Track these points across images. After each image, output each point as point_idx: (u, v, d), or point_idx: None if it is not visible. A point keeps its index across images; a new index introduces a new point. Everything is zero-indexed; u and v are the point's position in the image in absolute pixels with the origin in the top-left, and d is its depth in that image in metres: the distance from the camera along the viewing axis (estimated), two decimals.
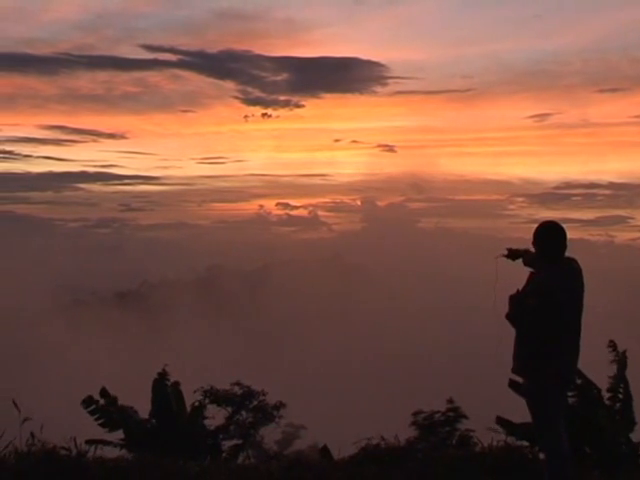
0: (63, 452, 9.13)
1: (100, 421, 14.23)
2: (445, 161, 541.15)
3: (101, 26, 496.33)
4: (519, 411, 9.21)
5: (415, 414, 13.77)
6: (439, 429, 13.40)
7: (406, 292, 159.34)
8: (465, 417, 13.72)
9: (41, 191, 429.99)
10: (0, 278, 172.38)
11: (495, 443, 10.37)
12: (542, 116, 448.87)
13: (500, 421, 10.95)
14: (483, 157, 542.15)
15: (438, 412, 13.67)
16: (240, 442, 16.17)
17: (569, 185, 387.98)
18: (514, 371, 8.22)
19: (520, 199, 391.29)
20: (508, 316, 8.03)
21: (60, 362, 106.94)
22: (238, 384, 17.79)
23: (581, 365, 8.58)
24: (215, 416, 16.35)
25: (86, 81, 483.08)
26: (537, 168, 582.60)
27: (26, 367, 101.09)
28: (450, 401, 14.06)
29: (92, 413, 14.27)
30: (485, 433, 11.23)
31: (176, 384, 15.22)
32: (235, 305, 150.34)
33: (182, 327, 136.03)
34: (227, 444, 15.87)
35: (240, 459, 14.78)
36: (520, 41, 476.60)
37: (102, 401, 14.25)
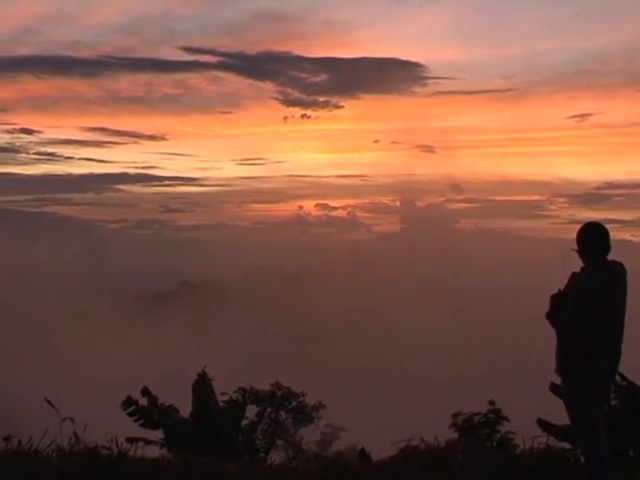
0: (105, 451, 9.20)
1: (140, 422, 14.32)
2: (485, 161, 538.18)
3: (142, 29, 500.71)
4: (561, 415, 9.14)
5: (455, 415, 13.69)
6: (479, 431, 13.31)
7: (445, 293, 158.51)
8: (506, 419, 13.62)
9: (82, 192, 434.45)
10: (42, 278, 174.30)
11: (536, 445, 10.29)
12: (583, 116, 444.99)
13: (541, 423, 10.85)
14: (523, 157, 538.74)
15: (478, 414, 13.59)
16: (279, 442, 16.21)
17: (611, 185, 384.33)
18: (556, 371, 8.17)
19: (561, 199, 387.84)
20: (548, 315, 7.99)
21: (100, 362, 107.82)
22: (277, 385, 17.81)
23: (624, 368, 8.48)
24: (254, 416, 16.39)
25: (127, 83, 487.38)
26: (578, 168, 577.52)
27: (66, 367, 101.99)
28: (491, 403, 13.96)
29: (131, 414, 14.37)
30: (525, 434, 11.14)
31: (210, 384, 15.28)
32: (274, 306, 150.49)
33: (221, 327, 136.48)
34: (265, 444, 15.91)
35: (279, 459, 14.80)
36: (561, 40, 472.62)
37: (143, 401, 14.34)
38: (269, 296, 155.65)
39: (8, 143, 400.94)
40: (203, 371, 15.16)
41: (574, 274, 8.05)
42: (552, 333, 8.09)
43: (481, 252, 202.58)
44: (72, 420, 9.54)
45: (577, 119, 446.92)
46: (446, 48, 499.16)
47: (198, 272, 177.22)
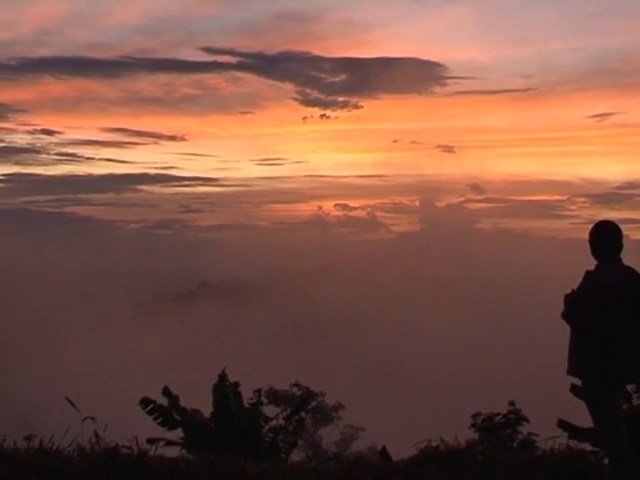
0: (125, 451, 9.24)
1: (159, 420, 14.36)
2: (505, 161, 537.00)
3: (162, 30, 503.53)
4: (580, 416, 9.09)
5: (474, 416, 13.65)
6: (499, 432, 13.27)
7: (464, 293, 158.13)
8: (526, 420, 13.57)
9: (102, 193, 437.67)
10: (61, 278, 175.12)
11: (556, 446, 10.24)
12: (604, 115, 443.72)
13: (562, 424, 10.80)
14: (544, 157, 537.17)
15: (498, 414, 13.54)
16: (298, 442, 16.19)
17: (632, 185, 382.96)
18: (568, 372, 8.13)
19: (581, 199, 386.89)
20: (563, 315, 7.98)
21: (119, 362, 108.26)
22: (297, 385, 17.86)
23: None
24: (274, 416, 16.40)
25: (147, 84, 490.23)
26: (599, 168, 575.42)
27: (86, 367, 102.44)
28: (511, 403, 13.92)
29: (150, 413, 14.41)
30: (545, 435, 11.10)
31: (235, 385, 15.29)
32: (292, 306, 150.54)
33: (240, 327, 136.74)
34: (285, 444, 15.91)
35: (299, 459, 14.79)
36: (581, 39, 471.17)
37: (163, 401, 14.39)
38: (288, 296, 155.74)
39: (29, 144, 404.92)
40: (223, 372, 15.18)
41: (588, 272, 8.05)
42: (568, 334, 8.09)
43: (501, 252, 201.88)
44: (93, 419, 9.59)
45: (597, 118, 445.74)
46: (466, 48, 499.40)
47: (217, 272, 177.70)
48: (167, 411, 14.35)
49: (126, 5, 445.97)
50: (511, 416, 13.57)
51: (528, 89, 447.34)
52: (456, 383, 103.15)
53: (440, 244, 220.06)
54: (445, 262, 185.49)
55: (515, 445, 12.73)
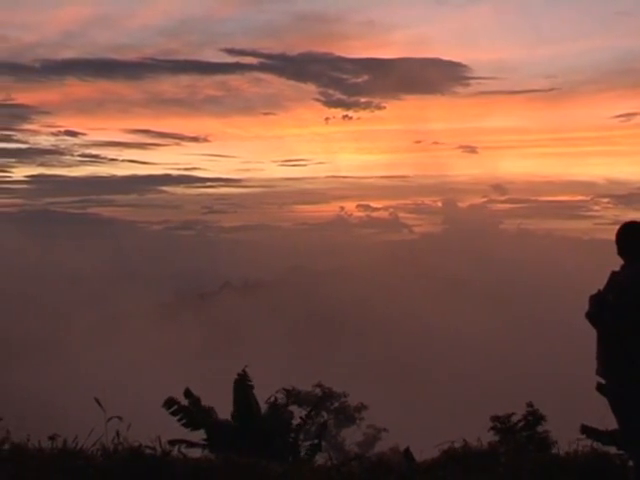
0: (148, 451, 9.26)
1: (182, 421, 14.40)
2: (528, 162, 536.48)
3: (184, 31, 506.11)
4: (603, 417, 9.03)
5: (493, 419, 13.63)
6: (519, 433, 13.24)
7: (486, 294, 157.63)
8: (543, 419, 13.53)
9: (126, 194, 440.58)
10: (86, 279, 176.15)
11: (580, 448, 10.17)
12: (629, 115, 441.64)
13: (585, 429, 10.72)
14: (567, 157, 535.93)
15: (513, 414, 13.53)
16: (320, 442, 16.16)
17: None
18: (597, 372, 8.09)
19: (605, 200, 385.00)
20: (588, 315, 7.94)
21: (142, 361, 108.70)
22: (319, 385, 17.84)
23: None
24: (296, 416, 16.39)
25: (170, 85, 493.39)
26: (623, 168, 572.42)
27: (109, 366, 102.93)
28: (529, 405, 13.88)
29: (174, 414, 14.45)
30: (568, 437, 11.03)
31: (250, 385, 15.29)
32: (315, 306, 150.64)
33: (263, 328, 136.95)
34: (307, 444, 15.90)
35: (321, 460, 14.77)
36: (605, 39, 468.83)
37: (185, 401, 14.42)
38: (310, 296, 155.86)
39: (53, 145, 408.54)
40: (244, 371, 15.19)
41: (613, 273, 8.00)
42: (594, 335, 8.05)
43: (524, 253, 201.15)
44: (119, 419, 9.62)
45: (622, 118, 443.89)
46: (489, 48, 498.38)
47: (240, 273, 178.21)
48: (191, 412, 14.39)
49: (149, 7, 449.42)
50: (530, 417, 13.54)
51: (551, 89, 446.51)
52: (478, 383, 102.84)
53: (462, 245, 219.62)
54: (468, 263, 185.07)
55: (535, 445, 12.67)
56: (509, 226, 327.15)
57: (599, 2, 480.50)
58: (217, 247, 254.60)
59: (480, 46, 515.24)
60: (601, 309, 7.75)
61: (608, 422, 8.94)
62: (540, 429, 13.44)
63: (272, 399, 15.80)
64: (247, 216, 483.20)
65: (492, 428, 13.45)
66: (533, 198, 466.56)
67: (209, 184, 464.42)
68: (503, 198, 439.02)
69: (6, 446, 9.43)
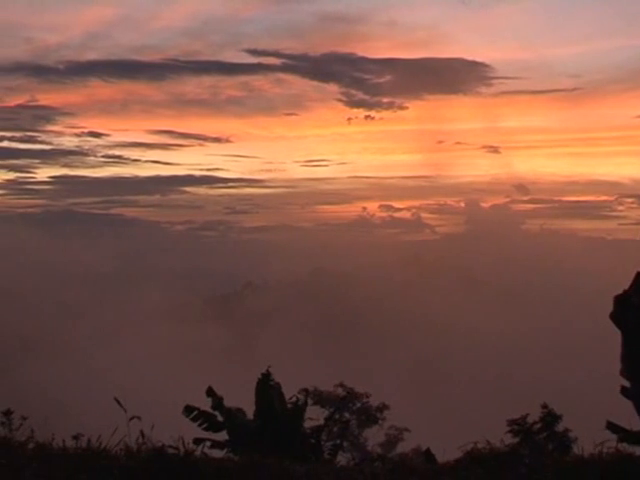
0: (171, 451, 9.27)
1: (203, 426, 14.45)
2: (551, 162, 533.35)
3: (207, 32, 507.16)
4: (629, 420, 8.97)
5: (510, 422, 13.60)
6: (538, 434, 13.20)
7: (509, 295, 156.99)
8: (560, 418, 13.49)
9: (149, 194, 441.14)
10: (110, 279, 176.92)
11: (605, 450, 10.09)
12: None
13: (610, 426, 10.64)
14: (591, 157, 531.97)
15: (528, 414, 13.50)
16: (342, 443, 16.16)
17: None
18: (620, 373, 8.02)
19: (630, 200, 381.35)
20: (612, 316, 7.86)
21: (164, 361, 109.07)
22: (341, 386, 17.80)
23: None
24: (318, 417, 16.39)
25: (192, 86, 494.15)
26: None
27: (131, 366, 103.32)
28: (544, 406, 13.84)
29: (194, 419, 14.50)
30: (593, 437, 10.94)
31: (278, 385, 15.30)
32: (337, 306, 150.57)
33: (285, 328, 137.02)
34: (329, 445, 15.90)
35: (344, 460, 14.77)
36: (629, 38, 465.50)
37: (207, 402, 14.45)
38: (332, 297, 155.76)
39: (77, 146, 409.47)
40: (267, 371, 15.20)
41: (639, 274, 7.92)
42: (618, 335, 7.97)
43: (547, 253, 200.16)
44: (139, 418, 9.64)
45: None
46: (512, 47, 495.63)
47: (262, 273, 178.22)
48: (211, 415, 14.42)
49: (172, 8, 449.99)
50: (547, 418, 13.50)
51: (575, 89, 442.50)
52: (500, 384, 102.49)
53: (485, 245, 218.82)
54: (490, 263, 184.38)
55: (554, 446, 12.63)
56: (532, 226, 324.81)
57: (623, 1, 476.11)
58: (239, 247, 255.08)
59: (503, 46, 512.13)
60: (625, 310, 7.68)
61: (634, 423, 8.88)
62: (559, 428, 13.39)
63: (294, 399, 15.80)
64: (269, 217, 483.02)
65: (510, 431, 13.43)
66: (556, 198, 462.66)
67: (231, 184, 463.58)
68: (526, 198, 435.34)
69: (31, 445, 9.48)
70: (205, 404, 14.84)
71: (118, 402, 9.80)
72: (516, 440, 12.74)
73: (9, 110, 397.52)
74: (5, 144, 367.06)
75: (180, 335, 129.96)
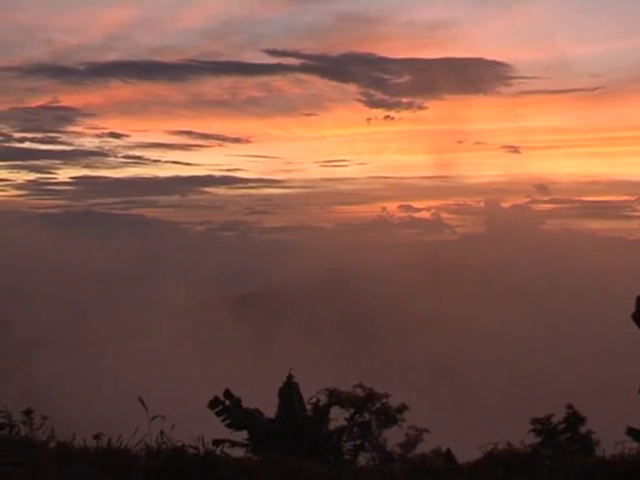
0: (191, 450, 9.29)
1: (227, 422, 14.44)
2: (572, 161, 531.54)
3: (227, 33, 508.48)
4: None
5: (533, 421, 13.54)
6: (561, 435, 13.14)
7: (529, 295, 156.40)
8: (584, 420, 13.42)
9: (168, 195, 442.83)
10: (129, 279, 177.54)
11: (626, 451, 10.03)
12: None
13: (631, 432, 10.57)
14: (612, 157, 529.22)
15: (552, 415, 13.43)
16: (363, 444, 16.13)
17: None
18: None
19: None
20: (635, 316, 7.81)
21: (183, 361, 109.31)
22: (360, 386, 17.74)
23: None
24: (337, 417, 16.36)
25: (212, 87, 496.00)
26: None
27: (150, 365, 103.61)
28: (569, 407, 13.77)
29: (219, 414, 14.50)
30: (615, 438, 10.89)
31: (296, 386, 15.28)
32: (356, 307, 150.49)
33: (304, 328, 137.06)
34: (349, 445, 15.87)
35: (363, 460, 14.75)
36: None
37: (227, 402, 14.47)
38: (351, 297, 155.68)
39: (97, 147, 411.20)
40: (290, 374, 15.19)
41: None
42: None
43: (567, 254, 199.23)
44: (163, 418, 9.66)
45: None
46: (532, 47, 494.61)
47: (281, 273, 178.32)
48: (235, 412, 14.43)
49: (191, 9, 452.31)
50: (571, 419, 13.44)
51: (595, 88, 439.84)
52: (520, 384, 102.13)
53: (505, 245, 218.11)
54: (510, 263, 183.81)
55: (577, 447, 12.57)
56: (552, 226, 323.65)
57: None
58: (258, 248, 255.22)
59: (523, 45, 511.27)
60: None
61: None
62: (582, 430, 13.34)
63: (314, 400, 15.78)
64: (288, 217, 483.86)
65: (533, 430, 13.37)
66: (577, 198, 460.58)
67: (251, 185, 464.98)
68: (546, 198, 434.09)
69: (52, 444, 9.53)
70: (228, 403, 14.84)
71: (142, 402, 9.83)
72: (538, 440, 12.68)
73: (31, 111, 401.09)
74: (26, 145, 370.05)
75: (200, 335, 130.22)
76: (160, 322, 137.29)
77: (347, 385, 18.49)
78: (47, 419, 10.26)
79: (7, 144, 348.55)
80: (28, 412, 10.40)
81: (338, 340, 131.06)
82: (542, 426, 13.39)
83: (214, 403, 14.44)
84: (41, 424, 10.20)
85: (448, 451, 11.48)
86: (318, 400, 15.94)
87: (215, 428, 13.96)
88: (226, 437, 13.65)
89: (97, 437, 9.61)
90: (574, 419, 13.56)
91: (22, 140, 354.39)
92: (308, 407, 15.50)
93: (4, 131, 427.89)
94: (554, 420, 13.78)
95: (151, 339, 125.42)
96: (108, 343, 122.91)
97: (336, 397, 16.78)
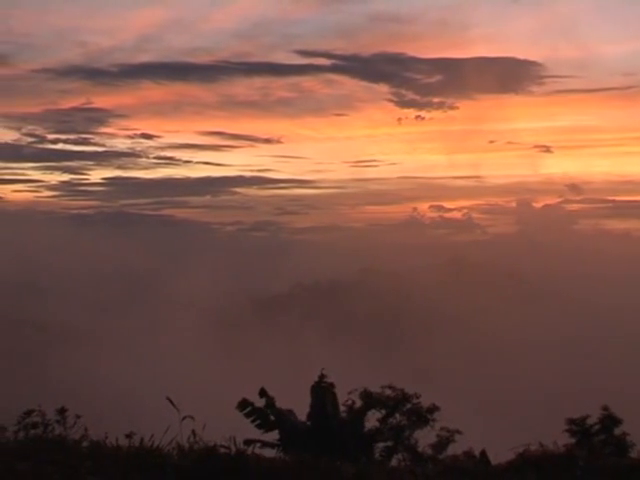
0: (223, 450, 9.31)
1: (256, 422, 14.47)
2: (605, 161, 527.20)
3: (258, 34, 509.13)
4: None
5: (568, 422, 13.43)
6: (595, 437, 13.03)
7: (562, 296, 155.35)
8: (619, 422, 13.29)
9: (199, 195, 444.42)
10: (161, 279, 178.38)
11: None
12: None
13: None
14: None
15: (588, 416, 13.31)
16: (397, 446, 16.10)
17: None
18: None
19: None
20: None
21: (217, 363, 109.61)
22: (391, 387, 17.66)
23: None
24: (369, 418, 16.32)
25: (243, 87, 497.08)
26: None
27: (185, 367, 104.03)
28: (605, 408, 13.65)
29: (248, 415, 14.52)
30: None
31: (331, 386, 15.27)
32: (387, 307, 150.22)
33: (335, 328, 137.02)
34: (380, 446, 15.85)
35: (395, 462, 14.72)
36: None
37: (260, 402, 14.49)
38: (382, 297, 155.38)
39: (129, 148, 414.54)
40: (322, 374, 15.19)
41: None
42: None
43: (600, 254, 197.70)
44: (192, 418, 9.69)
45: None
46: (564, 46, 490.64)
47: (312, 274, 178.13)
48: (264, 413, 14.45)
49: (223, 10, 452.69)
50: (606, 420, 13.32)
51: (629, 87, 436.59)
52: (552, 385, 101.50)
53: (537, 245, 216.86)
54: (542, 264, 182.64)
55: (611, 449, 12.46)
56: (585, 226, 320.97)
57: None
58: (289, 248, 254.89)
59: (556, 44, 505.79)
60: None
61: None
62: (616, 432, 13.22)
63: (349, 402, 15.78)
64: (319, 217, 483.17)
65: (567, 430, 13.26)
66: (610, 198, 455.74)
67: (281, 185, 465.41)
68: (579, 198, 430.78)
69: (85, 443, 9.59)
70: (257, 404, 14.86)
71: (171, 402, 9.87)
72: (573, 441, 12.58)
73: (64, 113, 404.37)
74: (60, 146, 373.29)
75: (230, 335, 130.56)
76: (190, 322, 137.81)
77: (376, 385, 18.43)
78: (80, 418, 10.32)
79: (41, 145, 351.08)
80: (62, 411, 10.46)
81: (368, 340, 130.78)
82: (577, 427, 13.27)
83: (243, 404, 14.47)
84: (74, 423, 10.27)
85: (483, 451, 11.45)
86: (353, 402, 15.93)
87: (244, 429, 13.97)
88: (256, 438, 13.67)
89: (129, 436, 9.67)
90: (609, 421, 13.43)
91: (55, 141, 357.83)
92: (342, 409, 15.49)
93: (38, 132, 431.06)
94: (589, 422, 13.66)
95: (180, 339, 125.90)
96: (137, 343, 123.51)
97: (367, 397, 16.73)
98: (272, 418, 14.51)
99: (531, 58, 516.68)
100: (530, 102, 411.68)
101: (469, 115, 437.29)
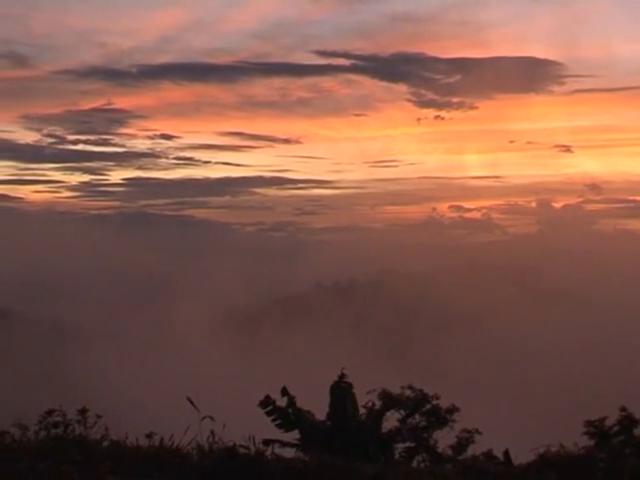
0: (242, 450, 9.34)
1: (277, 422, 14.47)
2: (625, 161, 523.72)
3: (277, 34, 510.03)
4: None
5: (587, 424, 13.37)
6: (614, 438, 12.96)
7: (582, 296, 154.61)
8: (638, 422, 13.21)
9: (219, 196, 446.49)
10: (180, 280, 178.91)
11: None
12: None
13: None
14: None
15: (606, 417, 13.24)
16: (414, 445, 16.07)
17: None
18: None
19: None
20: None
21: (237, 363, 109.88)
22: (410, 387, 17.61)
23: None
24: (388, 418, 16.31)
25: (262, 88, 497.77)
26: None
27: (205, 367, 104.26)
28: (623, 409, 13.57)
29: (269, 414, 14.53)
30: None
31: (350, 386, 15.26)
32: (407, 308, 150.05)
33: (354, 328, 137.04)
34: (400, 447, 15.82)
35: (414, 462, 14.71)
36: None
37: (282, 401, 14.50)
38: (402, 298, 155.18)
39: (149, 149, 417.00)
40: (342, 373, 15.19)
41: None
42: None
43: (621, 254, 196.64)
44: (212, 418, 9.72)
45: None
46: (585, 45, 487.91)
47: (331, 274, 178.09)
48: (285, 412, 14.45)
49: (242, 11, 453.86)
50: (625, 422, 13.24)
51: None
52: (571, 386, 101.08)
53: (557, 246, 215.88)
54: (563, 264, 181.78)
55: (631, 450, 12.40)
56: (606, 227, 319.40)
57: None
58: (308, 248, 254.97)
59: (576, 44, 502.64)
60: None
61: None
62: (636, 433, 13.15)
63: (370, 404, 15.77)
64: (338, 217, 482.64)
65: (586, 433, 13.20)
66: (631, 198, 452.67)
67: (301, 186, 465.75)
68: (599, 198, 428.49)
69: (105, 443, 9.64)
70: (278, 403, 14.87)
71: (191, 402, 9.91)
72: (592, 443, 12.52)
73: (84, 114, 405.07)
74: (80, 147, 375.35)
75: (249, 335, 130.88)
76: (210, 322, 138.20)
77: (394, 385, 18.40)
78: (100, 418, 10.38)
79: (61, 146, 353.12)
80: (83, 411, 10.52)
81: (386, 340, 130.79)
82: (595, 429, 13.19)
83: (266, 402, 14.47)
84: (94, 422, 10.33)
85: (506, 452, 11.43)
86: (373, 404, 15.90)
87: (262, 430, 13.99)
88: (276, 438, 13.67)
89: (149, 436, 9.72)
90: (628, 422, 13.35)
91: (76, 142, 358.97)
92: (362, 410, 15.47)
93: (58, 133, 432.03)
94: (607, 423, 13.59)
95: (200, 339, 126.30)
96: (157, 343, 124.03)
97: (387, 398, 16.69)
98: (292, 418, 14.51)
99: (551, 57, 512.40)
100: (550, 102, 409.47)
101: (489, 115, 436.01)
